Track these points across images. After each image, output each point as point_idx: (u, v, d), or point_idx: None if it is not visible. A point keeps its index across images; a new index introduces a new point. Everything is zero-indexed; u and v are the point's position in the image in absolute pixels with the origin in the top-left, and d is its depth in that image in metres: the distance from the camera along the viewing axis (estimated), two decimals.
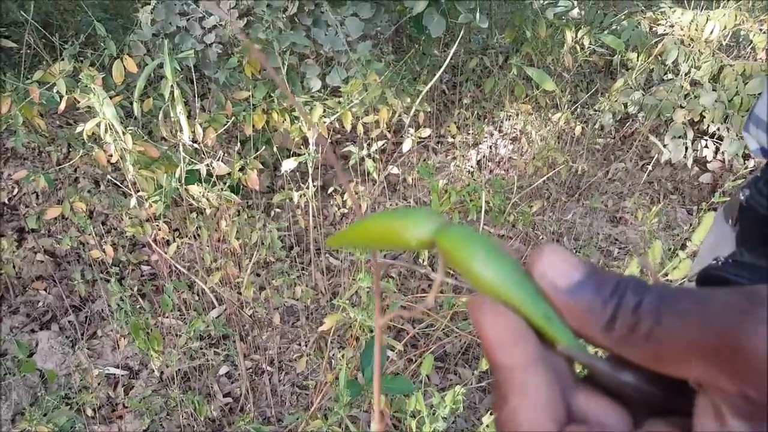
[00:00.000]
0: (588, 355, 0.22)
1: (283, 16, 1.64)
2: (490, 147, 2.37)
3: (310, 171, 1.58)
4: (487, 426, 1.00)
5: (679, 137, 2.20)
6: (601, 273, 0.22)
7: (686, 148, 2.20)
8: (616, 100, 2.12)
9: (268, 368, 1.62)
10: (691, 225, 2.09)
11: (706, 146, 2.29)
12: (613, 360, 0.22)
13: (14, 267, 1.87)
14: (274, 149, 1.93)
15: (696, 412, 0.20)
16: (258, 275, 1.77)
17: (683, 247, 2.04)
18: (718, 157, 2.35)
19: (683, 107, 2.16)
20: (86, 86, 1.30)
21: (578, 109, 2.27)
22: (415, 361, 1.52)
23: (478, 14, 1.51)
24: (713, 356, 0.19)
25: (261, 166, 1.60)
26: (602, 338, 0.21)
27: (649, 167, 2.32)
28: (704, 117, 2.16)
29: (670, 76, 2.24)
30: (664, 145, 2.20)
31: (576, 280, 0.21)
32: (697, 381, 0.20)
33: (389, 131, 1.79)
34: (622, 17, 2.25)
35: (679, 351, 0.19)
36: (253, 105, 1.65)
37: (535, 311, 0.22)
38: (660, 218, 1.96)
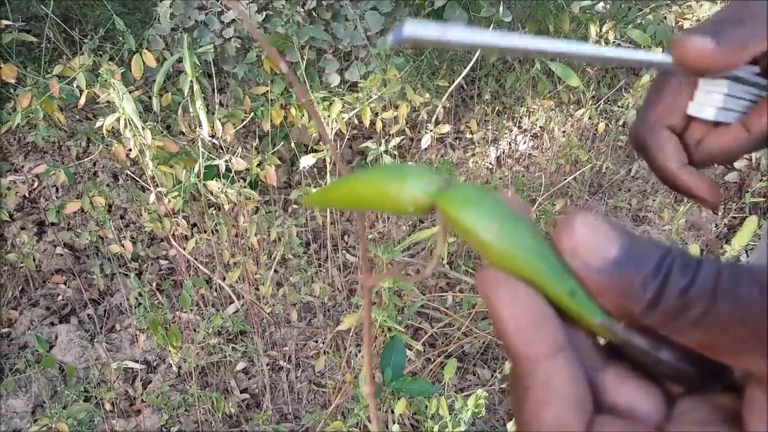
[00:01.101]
0: (625, 331, 0.19)
1: (302, 10, 1.62)
2: (509, 143, 2.34)
3: (329, 167, 1.56)
4: (515, 424, 0.98)
5: None
6: (642, 244, 0.19)
7: None
8: (641, 96, 2.07)
9: (286, 365, 1.61)
10: (716, 225, 2.04)
11: None
12: (648, 332, 0.19)
13: (34, 260, 1.88)
14: (292, 145, 1.92)
15: (747, 406, 0.18)
16: (276, 271, 1.76)
17: (714, 247, 2.00)
18: (745, 155, 2.29)
19: None
20: (106, 81, 1.29)
21: (601, 106, 2.23)
22: (434, 360, 1.51)
23: (501, 7, 1.48)
24: None
25: (279, 162, 1.59)
26: (641, 319, 0.18)
27: None
28: None
29: None
30: None
31: (612, 257, 0.18)
32: (752, 374, 0.18)
33: (408, 127, 1.77)
34: (648, 11, 2.20)
35: (735, 341, 0.17)
36: (271, 100, 1.64)
37: (558, 286, 0.19)
38: (686, 218, 1.92)
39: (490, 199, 0.20)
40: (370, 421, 0.96)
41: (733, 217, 2.11)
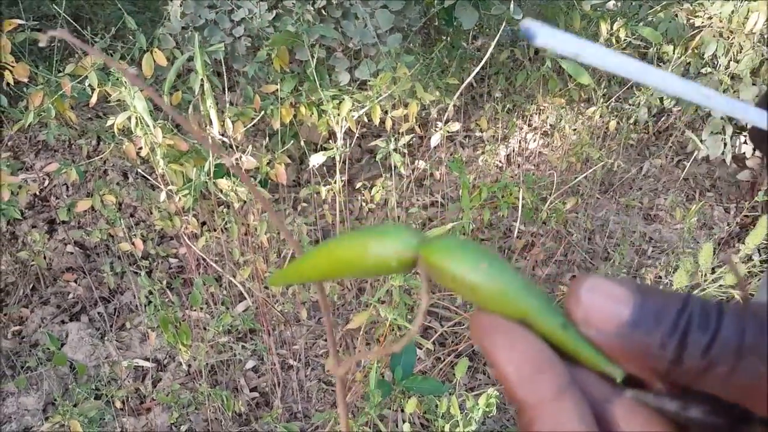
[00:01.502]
0: (655, 398, 0.19)
1: (312, 8, 1.62)
2: (520, 141, 2.33)
3: (338, 165, 1.56)
4: None
5: (717, 133, 2.14)
6: (655, 300, 0.18)
7: (724, 144, 2.14)
8: (651, 94, 2.06)
9: (295, 364, 1.61)
10: (728, 224, 2.03)
11: (745, 142, 2.22)
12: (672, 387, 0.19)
13: (45, 258, 1.89)
14: (301, 143, 1.92)
15: None
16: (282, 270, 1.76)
17: (725, 245, 1.98)
18: (757, 153, 2.27)
19: None
20: (117, 79, 1.30)
21: (612, 104, 2.21)
22: (444, 360, 1.50)
23: (512, 5, 1.48)
24: None
25: (288, 161, 1.59)
26: (666, 376, 0.18)
27: (686, 163, 2.26)
28: None
29: (707, 69, 2.18)
30: (702, 141, 2.14)
31: (625, 320, 0.18)
32: None
33: (417, 125, 1.76)
34: (659, 9, 2.18)
35: (764, 395, 0.17)
36: (280, 98, 1.64)
37: (550, 320, 0.19)
38: (697, 217, 1.90)
39: (472, 245, 0.20)
40: (381, 420, 0.96)
41: (746, 216, 2.09)
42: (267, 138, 1.99)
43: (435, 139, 1.71)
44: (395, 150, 1.59)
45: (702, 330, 0.17)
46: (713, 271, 0.98)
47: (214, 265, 1.18)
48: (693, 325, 0.17)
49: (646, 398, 0.19)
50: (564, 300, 0.19)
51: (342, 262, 0.22)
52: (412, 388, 1.07)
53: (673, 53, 2.13)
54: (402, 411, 1.30)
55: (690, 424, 0.19)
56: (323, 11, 1.67)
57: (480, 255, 0.20)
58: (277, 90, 1.62)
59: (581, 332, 0.19)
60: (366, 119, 1.68)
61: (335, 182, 1.57)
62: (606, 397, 0.20)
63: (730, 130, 2.14)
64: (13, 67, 1.42)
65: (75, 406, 1.24)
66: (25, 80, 1.45)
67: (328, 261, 0.23)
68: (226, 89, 1.50)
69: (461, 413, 0.92)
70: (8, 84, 1.46)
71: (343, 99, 1.56)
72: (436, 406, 1.08)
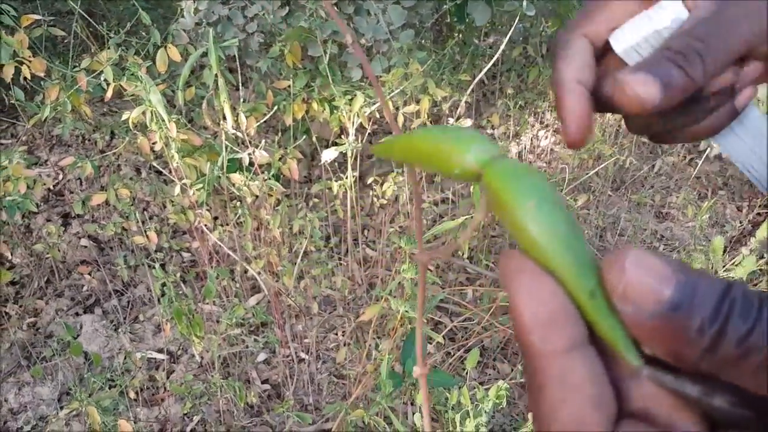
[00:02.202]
0: (675, 380, 0.18)
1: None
2: (531, 138, 2.33)
3: (350, 161, 1.57)
4: (532, 423, 0.98)
5: None
6: (699, 282, 0.17)
7: None
8: None
9: (307, 357, 1.63)
10: (740, 222, 2.02)
11: None
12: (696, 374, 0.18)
13: (60, 251, 1.92)
14: (313, 139, 1.93)
15: None
16: (294, 264, 1.78)
17: (737, 243, 1.98)
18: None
19: None
20: (133, 74, 1.31)
21: None
22: (453, 354, 1.51)
23: (524, 2, 1.48)
24: None
25: (300, 156, 1.60)
26: (695, 363, 0.17)
27: (698, 161, 2.25)
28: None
29: None
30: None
31: (667, 299, 0.17)
32: None
33: (429, 121, 1.77)
34: None
35: None
36: (293, 94, 1.65)
37: (579, 285, 0.18)
38: (709, 214, 1.90)
39: (536, 177, 0.19)
40: (393, 410, 0.97)
41: (758, 214, 2.08)
42: (279, 134, 2.00)
43: None
44: None
45: (742, 318, 0.16)
46: (724, 266, 0.98)
47: (231, 254, 1.19)
48: (734, 312, 0.16)
49: (665, 379, 0.18)
50: (603, 269, 0.18)
51: (419, 151, 0.23)
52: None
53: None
54: (412, 404, 1.31)
55: (713, 414, 0.18)
56: (336, 7, 1.68)
57: (532, 190, 0.19)
58: (289, 86, 1.63)
59: (610, 306, 0.18)
60: (378, 115, 1.68)
61: (347, 178, 1.58)
62: (631, 376, 0.19)
63: None
64: (30, 61, 1.45)
65: (90, 395, 1.26)
66: (42, 75, 1.47)
67: (410, 148, 0.24)
68: (240, 85, 1.52)
69: (471, 404, 0.93)
70: (25, 78, 1.48)
71: (356, 95, 1.57)
72: (446, 399, 1.09)
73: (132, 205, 1.71)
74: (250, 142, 1.46)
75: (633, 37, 0.30)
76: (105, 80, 1.44)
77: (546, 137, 2.32)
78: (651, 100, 0.27)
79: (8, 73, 1.45)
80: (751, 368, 0.16)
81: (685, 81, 0.27)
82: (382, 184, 1.76)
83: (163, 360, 1.67)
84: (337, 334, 1.70)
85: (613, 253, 0.18)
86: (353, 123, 1.59)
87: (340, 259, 1.86)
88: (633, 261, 0.17)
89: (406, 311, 1.05)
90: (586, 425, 0.18)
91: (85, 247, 2.01)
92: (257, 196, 1.51)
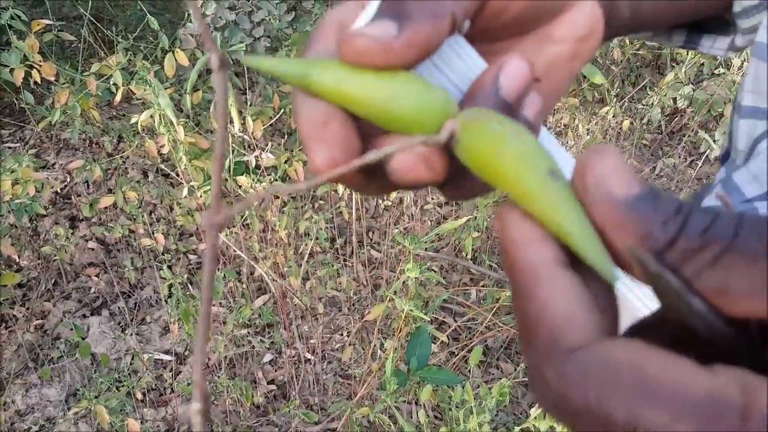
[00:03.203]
0: (657, 264, 0.18)
1: (331, 8, 1.65)
2: None
3: None
4: (535, 418, 1.00)
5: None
6: (663, 192, 0.18)
7: None
8: (665, 95, 2.07)
9: (312, 358, 1.64)
10: None
11: None
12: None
13: (67, 253, 1.94)
14: None
15: None
16: (300, 266, 1.80)
17: None
18: None
19: None
20: (142, 78, 1.34)
21: (626, 104, 2.23)
22: (457, 354, 1.53)
23: None
24: None
25: (305, 158, 1.62)
26: (659, 256, 0.17)
27: (698, 163, 2.26)
28: None
29: (721, 70, 2.18)
30: (715, 141, 2.15)
31: (635, 193, 0.18)
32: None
33: None
34: None
35: (753, 282, 0.16)
36: None
37: (536, 171, 0.19)
38: None
39: (515, 131, 0.21)
40: (397, 409, 0.98)
41: None
42: (285, 136, 2.03)
43: None
44: None
45: (703, 215, 0.17)
46: None
47: (241, 253, 1.21)
48: (695, 211, 0.17)
49: (647, 260, 0.18)
50: (581, 160, 0.19)
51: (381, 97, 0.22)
52: (426, 379, 1.09)
53: (687, 54, 2.15)
54: (416, 403, 1.32)
55: (691, 321, 0.18)
56: None
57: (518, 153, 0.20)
58: None
59: (590, 195, 0.19)
60: None
61: None
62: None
63: None
64: (40, 66, 1.47)
65: (97, 396, 1.28)
66: (52, 79, 1.49)
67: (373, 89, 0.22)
68: (247, 88, 1.54)
69: (475, 401, 0.94)
70: (35, 82, 1.51)
71: None
72: (450, 397, 1.11)
73: (139, 207, 1.73)
74: (256, 145, 1.48)
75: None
76: (114, 84, 1.46)
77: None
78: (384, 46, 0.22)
79: (19, 77, 1.47)
80: (709, 259, 0.17)
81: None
82: None
83: (170, 361, 1.69)
84: (342, 335, 1.72)
85: (592, 149, 0.19)
86: None
87: (345, 260, 1.88)
88: (608, 152, 0.19)
89: (411, 310, 1.07)
90: (576, 322, 0.18)
91: (93, 249, 2.03)
92: (263, 199, 1.53)
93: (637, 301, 0.23)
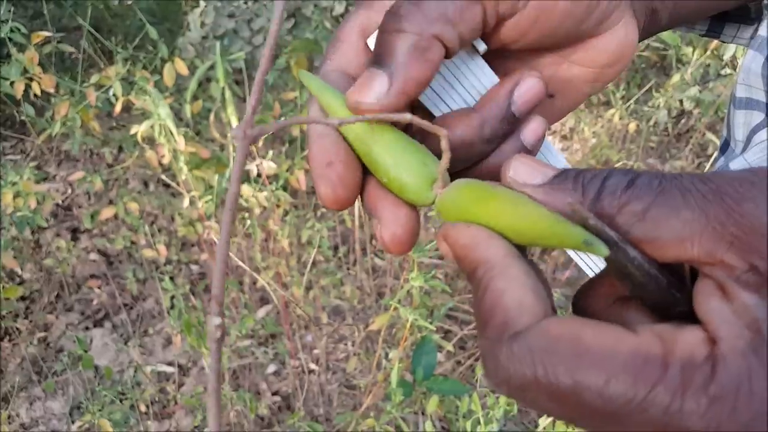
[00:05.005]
0: (595, 218, 0.19)
1: (330, 15, 1.64)
2: None
3: None
4: (544, 428, 0.97)
5: None
6: (584, 169, 0.21)
7: None
8: (671, 97, 2.05)
9: (317, 368, 1.62)
10: None
11: None
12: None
13: (69, 266, 1.93)
14: None
15: (698, 299, 0.19)
16: (302, 275, 1.78)
17: None
18: None
19: None
20: (141, 88, 1.33)
21: (632, 106, 2.20)
22: (463, 363, 1.50)
23: None
24: (719, 229, 0.18)
25: (308, 167, 1.60)
26: (587, 220, 0.20)
27: (706, 165, 2.24)
28: None
29: (727, 71, 2.16)
30: None
31: (552, 174, 0.21)
32: (698, 261, 0.18)
33: None
34: None
35: (679, 229, 0.18)
36: (300, 106, 1.66)
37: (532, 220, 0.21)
38: None
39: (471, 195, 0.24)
40: (404, 420, 0.96)
41: None
42: (286, 144, 2.01)
43: None
44: None
45: (623, 174, 0.19)
46: None
47: (241, 264, 1.20)
48: (614, 173, 0.20)
49: (586, 214, 0.19)
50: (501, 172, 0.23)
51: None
52: (433, 389, 1.07)
53: (692, 55, 2.12)
54: (423, 414, 1.30)
55: (629, 271, 0.19)
56: (341, 18, 1.70)
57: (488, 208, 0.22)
58: (296, 97, 1.64)
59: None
60: None
61: None
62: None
63: None
64: (40, 78, 1.46)
65: (101, 409, 1.26)
66: (51, 90, 1.49)
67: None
68: (247, 97, 1.53)
69: (482, 411, 0.92)
70: (35, 95, 1.50)
71: None
72: (457, 407, 1.08)
73: (140, 218, 1.72)
74: (257, 154, 1.46)
75: None
76: (113, 95, 1.45)
77: (553, 143, 2.32)
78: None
79: (19, 89, 1.47)
80: (634, 215, 0.19)
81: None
82: None
83: (173, 373, 1.67)
84: (346, 344, 1.70)
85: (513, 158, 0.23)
86: None
87: (348, 268, 1.86)
88: (519, 158, 0.22)
89: (416, 319, 1.05)
90: (526, 307, 0.19)
91: (94, 261, 2.01)
92: (265, 207, 1.51)
93: (586, 267, 0.28)
